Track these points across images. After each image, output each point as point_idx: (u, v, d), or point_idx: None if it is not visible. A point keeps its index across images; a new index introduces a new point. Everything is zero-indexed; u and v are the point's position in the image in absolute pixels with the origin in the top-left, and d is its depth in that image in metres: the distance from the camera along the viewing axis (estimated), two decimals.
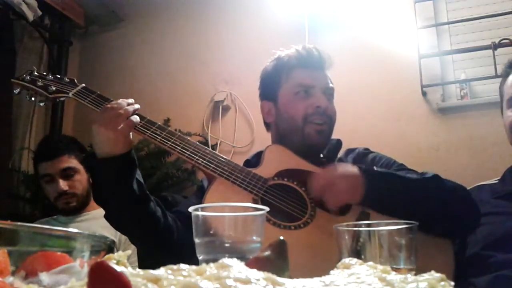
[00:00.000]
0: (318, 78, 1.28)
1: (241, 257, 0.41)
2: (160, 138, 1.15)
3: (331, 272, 0.42)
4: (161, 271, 0.34)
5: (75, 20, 2.97)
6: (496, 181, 1.36)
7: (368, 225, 0.67)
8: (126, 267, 0.40)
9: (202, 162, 1.11)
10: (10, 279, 0.43)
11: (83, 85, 1.28)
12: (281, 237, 0.45)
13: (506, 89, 1.33)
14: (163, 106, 2.80)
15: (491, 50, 2.14)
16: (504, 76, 1.37)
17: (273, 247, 0.45)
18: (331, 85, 1.31)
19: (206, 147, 1.17)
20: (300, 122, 1.24)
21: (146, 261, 1.48)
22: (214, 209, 0.62)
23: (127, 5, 3.04)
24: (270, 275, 0.36)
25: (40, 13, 2.59)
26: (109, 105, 1.15)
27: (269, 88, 1.34)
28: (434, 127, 2.27)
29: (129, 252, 0.47)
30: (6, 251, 0.44)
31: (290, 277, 0.40)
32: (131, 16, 3.08)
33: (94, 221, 1.81)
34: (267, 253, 0.44)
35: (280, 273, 0.38)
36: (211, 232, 0.59)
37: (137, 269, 0.33)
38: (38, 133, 2.81)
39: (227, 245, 0.57)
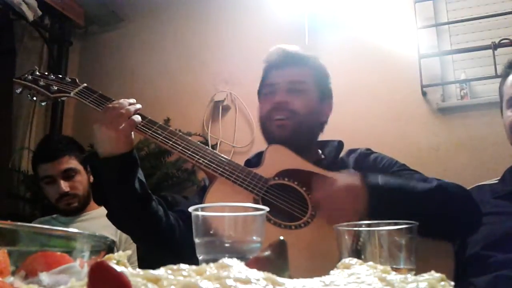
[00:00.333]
0: (282, 75, 1.29)
1: (241, 257, 0.41)
2: (161, 137, 1.15)
3: (331, 272, 0.42)
4: (161, 271, 0.34)
5: (75, 20, 2.97)
6: (496, 181, 1.36)
7: (368, 225, 0.67)
8: (126, 267, 0.40)
9: (203, 161, 1.11)
10: (10, 279, 0.43)
11: (85, 84, 1.28)
12: (281, 237, 0.45)
13: (506, 89, 1.33)
14: (163, 106, 2.80)
15: (491, 50, 2.14)
16: (504, 76, 1.37)
17: (273, 247, 0.45)
18: (297, 79, 1.29)
19: (207, 147, 1.17)
20: (265, 120, 1.28)
21: (147, 261, 1.48)
22: (214, 209, 0.62)
23: (127, 5, 3.04)
24: (270, 275, 0.36)
25: (40, 13, 2.59)
26: (110, 105, 1.15)
27: (258, 89, 1.38)
28: (434, 127, 2.27)
29: (129, 252, 0.47)
30: (6, 251, 0.44)
31: (290, 277, 0.40)
32: (131, 16, 3.08)
33: (94, 221, 1.81)
34: (267, 253, 0.44)
35: (280, 273, 0.38)
36: (211, 232, 0.59)
37: (137, 269, 0.33)
38: (38, 133, 2.81)
39: (227, 245, 0.57)
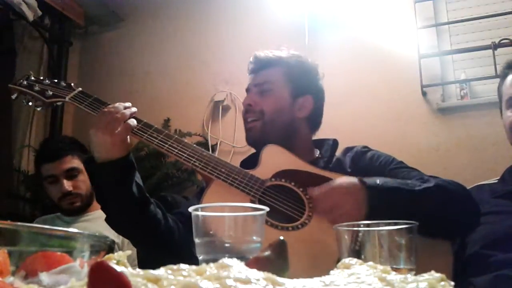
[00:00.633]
0: (253, 80, 1.34)
1: (241, 257, 0.41)
2: (157, 141, 1.15)
3: (331, 272, 0.42)
4: (161, 271, 0.34)
5: (75, 20, 2.97)
6: (496, 181, 1.36)
7: (368, 225, 0.67)
8: (126, 267, 0.40)
9: (199, 164, 1.11)
10: (10, 279, 0.43)
11: (80, 89, 1.28)
12: (281, 237, 0.45)
13: (505, 90, 1.33)
14: (163, 106, 2.80)
15: (491, 50, 2.14)
16: (503, 77, 1.37)
17: (273, 247, 0.45)
18: (263, 80, 1.31)
19: (203, 149, 1.17)
20: (244, 124, 1.33)
21: (147, 262, 1.48)
22: (214, 209, 0.62)
23: (127, 5, 3.04)
24: (270, 275, 0.36)
25: (40, 13, 2.59)
26: (106, 109, 1.15)
27: None
28: (434, 127, 2.27)
29: (129, 252, 0.47)
30: (6, 251, 0.44)
31: (290, 277, 0.40)
32: (131, 16, 3.08)
33: (97, 221, 1.81)
34: (267, 253, 0.44)
35: (280, 273, 0.38)
36: (211, 232, 0.59)
37: (137, 269, 0.33)
38: (38, 133, 2.81)
39: (227, 245, 0.57)
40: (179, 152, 1.13)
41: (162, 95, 2.85)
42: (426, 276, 0.38)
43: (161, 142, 1.15)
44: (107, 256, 0.44)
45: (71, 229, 0.52)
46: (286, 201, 1.09)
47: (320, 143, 1.36)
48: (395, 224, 0.66)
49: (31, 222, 1.96)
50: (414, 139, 2.26)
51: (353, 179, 1.04)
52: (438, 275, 0.38)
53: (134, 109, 1.17)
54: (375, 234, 0.65)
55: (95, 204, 1.84)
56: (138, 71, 2.97)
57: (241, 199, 1.06)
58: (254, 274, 0.35)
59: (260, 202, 1.06)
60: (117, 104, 1.16)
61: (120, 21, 3.09)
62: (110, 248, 0.54)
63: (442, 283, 0.37)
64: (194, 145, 1.17)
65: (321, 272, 0.41)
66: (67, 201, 1.80)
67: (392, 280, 0.37)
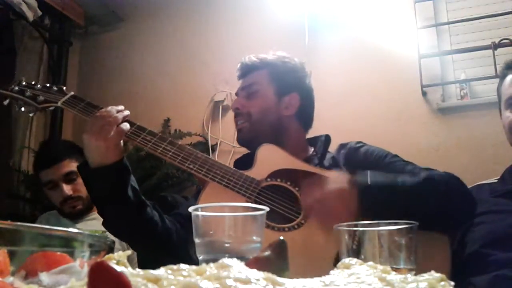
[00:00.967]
0: (241, 84, 1.38)
1: (241, 257, 0.41)
2: (150, 144, 1.15)
3: (331, 272, 0.42)
4: (161, 271, 0.34)
5: (75, 20, 2.97)
6: (496, 181, 1.36)
7: (368, 225, 0.67)
8: (126, 267, 0.40)
9: (194, 166, 1.11)
10: (10, 279, 0.43)
11: (72, 93, 1.28)
12: (281, 237, 0.45)
13: (504, 90, 1.33)
14: (163, 106, 2.80)
15: (491, 50, 2.14)
16: (502, 77, 1.37)
17: (273, 247, 0.45)
18: (248, 83, 1.34)
19: (197, 151, 1.17)
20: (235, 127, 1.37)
21: (147, 262, 1.48)
22: (214, 209, 0.62)
23: (127, 5, 3.04)
24: (270, 275, 0.36)
25: (40, 13, 2.59)
26: (98, 114, 1.15)
27: None
28: (434, 127, 2.27)
29: (129, 252, 0.47)
30: (6, 251, 0.44)
31: (289, 277, 0.40)
32: (131, 16, 3.08)
33: (100, 222, 1.81)
34: (267, 253, 0.44)
35: (280, 273, 0.38)
36: (211, 232, 0.59)
37: (137, 269, 0.33)
38: (38, 133, 2.81)
39: (227, 245, 0.57)
40: (173, 155, 1.13)
41: (162, 95, 2.85)
42: (426, 276, 0.38)
43: (155, 145, 1.14)
44: (107, 256, 0.44)
45: (71, 229, 0.52)
46: (282, 201, 1.09)
47: (314, 140, 1.37)
48: (395, 224, 0.66)
49: (31, 222, 1.96)
50: (414, 139, 2.26)
51: (343, 178, 1.04)
52: (438, 275, 0.38)
53: (126, 112, 1.17)
54: (375, 234, 0.65)
55: None
56: (138, 71, 2.97)
57: (236, 201, 1.05)
58: (254, 274, 0.35)
59: (256, 203, 1.06)
60: (109, 108, 1.16)
61: (120, 21, 3.09)
62: (110, 248, 0.54)
63: (442, 283, 0.37)
64: (189, 147, 1.17)
65: (318, 272, 0.41)
66: (69, 205, 1.79)
67: (392, 280, 0.37)
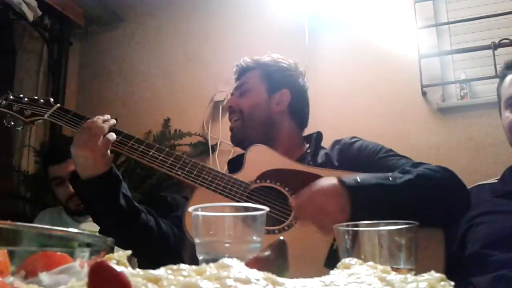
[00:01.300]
0: (236, 85, 1.41)
1: (241, 257, 0.41)
2: (137, 153, 1.15)
3: (331, 272, 0.42)
4: (161, 271, 0.34)
5: (75, 20, 2.97)
6: (496, 181, 1.36)
7: (368, 225, 0.67)
8: (126, 267, 0.40)
9: (182, 173, 1.11)
10: (10, 279, 0.43)
11: (58, 105, 1.29)
12: (281, 237, 0.45)
13: (504, 90, 1.33)
14: (163, 106, 2.80)
15: (491, 50, 2.14)
16: (501, 77, 1.37)
17: (273, 247, 0.45)
18: (241, 83, 1.38)
19: (185, 156, 1.17)
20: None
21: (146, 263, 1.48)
22: (214, 209, 0.62)
23: (127, 5, 3.04)
24: (270, 275, 0.36)
25: (40, 13, 2.59)
26: (84, 125, 1.15)
27: None
28: (434, 127, 2.27)
29: (129, 252, 0.47)
30: (6, 251, 0.44)
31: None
32: (131, 16, 3.08)
33: None
34: (267, 253, 0.44)
35: (280, 273, 0.38)
36: (211, 232, 0.59)
37: (137, 269, 0.33)
38: (38, 133, 2.81)
39: (227, 245, 0.57)
40: (161, 162, 1.13)
41: (162, 95, 2.85)
42: (426, 276, 0.38)
43: (142, 154, 1.14)
44: (107, 256, 0.44)
45: (71, 229, 0.52)
46: (272, 203, 1.08)
47: (308, 137, 1.38)
48: (395, 224, 0.66)
49: (32, 222, 1.97)
50: (414, 139, 2.26)
51: (332, 181, 1.02)
52: (438, 275, 0.38)
53: (113, 122, 1.17)
54: (375, 234, 0.65)
55: None
56: (138, 71, 2.97)
57: None
58: (254, 274, 0.35)
59: None
60: (95, 118, 1.17)
61: (120, 21, 3.09)
62: (110, 248, 0.54)
63: (442, 283, 0.37)
64: (177, 153, 1.17)
65: (309, 274, 0.40)
66: (75, 202, 1.80)
67: (392, 280, 0.37)
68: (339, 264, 0.44)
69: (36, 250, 0.47)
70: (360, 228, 0.66)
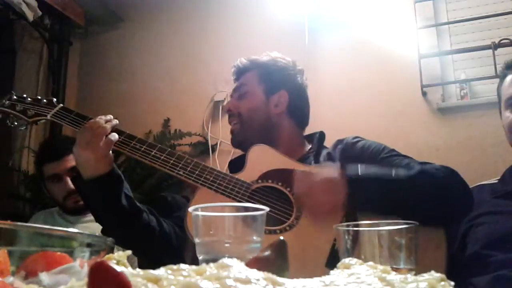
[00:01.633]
0: (234, 87, 1.40)
1: (241, 257, 0.41)
2: (139, 153, 1.15)
3: (331, 272, 0.42)
4: (161, 271, 0.34)
5: (75, 20, 2.97)
6: (496, 181, 1.35)
7: (368, 225, 0.67)
8: (126, 267, 0.40)
9: (184, 173, 1.11)
10: (10, 279, 0.43)
11: (61, 105, 1.29)
12: (281, 237, 0.45)
13: (504, 90, 1.33)
14: (163, 106, 2.80)
15: (491, 50, 2.14)
16: (501, 77, 1.37)
17: (273, 247, 0.45)
18: (238, 85, 1.37)
19: (187, 156, 1.17)
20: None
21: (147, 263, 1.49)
22: (214, 209, 0.62)
23: (127, 5, 3.04)
24: (270, 275, 0.35)
25: (40, 13, 2.59)
26: (87, 125, 1.15)
27: None
28: (434, 127, 2.27)
29: (129, 252, 0.47)
30: (6, 251, 0.44)
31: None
32: (131, 16, 3.08)
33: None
34: (267, 253, 0.44)
35: (280, 273, 0.38)
36: (211, 232, 0.59)
37: (137, 269, 0.33)
38: (38, 133, 2.81)
39: (227, 245, 0.57)
40: (163, 162, 1.13)
41: (162, 95, 2.85)
42: (426, 276, 0.38)
43: (144, 154, 1.15)
44: (107, 256, 0.44)
45: (71, 229, 0.52)
46: (274, 203, 1.08)
47: (311, 137, 1.37)
48: (395, 224, 0.66)
49: (33, 216, 1.97)
50: (414, 139, 2.26)
51: (333, 171, 1.03)
52: (438, 275, 0.38)
53: (115, 122, 1.18)
54: (375, 234, 0.65)
55: None
56: (138, 71, 2.97)
57: None
58: (254, 274, 0.35)
59: None
60: (97, 119, 1.17)
61: (120, 21, 3.09)
62: (110, 248, 0.54)
63: (442, 283, 0.37)
64: (179, 153, 1.17)
65: (311, 274, 0.40)
66: (72, 200, 1.77)
67: (392, 280, 0.37)
68: (339, 264, 0.44)
69: (36, 250, 0.47)
70: (360, 228, 0.66)
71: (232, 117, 1.35)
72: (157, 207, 1.36)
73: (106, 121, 1.15)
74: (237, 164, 1.24)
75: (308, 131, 1.42)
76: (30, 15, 2.52)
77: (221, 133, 2.62)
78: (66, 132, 2.86)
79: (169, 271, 0.34)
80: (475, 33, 2.33)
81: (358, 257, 0.56)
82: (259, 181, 1.13)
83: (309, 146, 1.35)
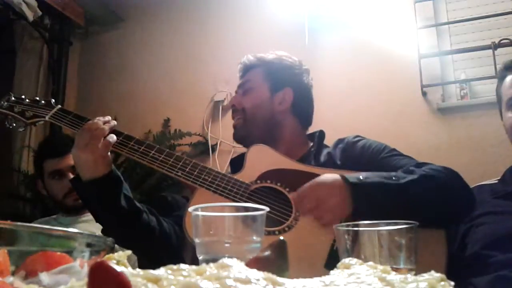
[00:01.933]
0: (239, 83, 1.40)
1: (241, 257, 0.41)
2: (138, 154, 1.15)
3: (331, 272, 0.42)
4: (161, 271, 0.34)
5: (75, 20, 2.97)
6: (496, 181, 1.35)
7: (368, 225, 0.67)
8: (126, 267, 0.40)
9: (182, 174, 1.11)
10: (10, 279, 0.43)
11: (59, 106, 1.29)
12: (281, 237, 0.45)
13: (505, 91, 1.33)
14: (163, 106, 2.80)
15: (491, 50, 2.14)
16: (500, 78, 1.37)
17: (273, 247, 0.45)
18: (244, 81, 1.37)
19: (186, 157, 1.17)
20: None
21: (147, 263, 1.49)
22: (214, 209, 0.62)
23: (127, 5, 3.04)
24: (270, 275, 0.35)
25: (40, 13, 2.59)
26: (85, 127, 1.15)
27: None
28: (434, 127, 2.27)
29: (129, 252, 0.47)
30: (6, 251, 0.44)
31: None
32: (131, 16, 3.08)
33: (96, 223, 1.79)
34: (267, 253, 0.44)
35: (280, 273, 0.38)
36: (211, 232, 0.59)
37: (137, 269, 0.33)
38: (38, 133, 2.81)
39: (227, 245, 0.57)
40: (161, 163, 1.13)
41: (162, 95, 2.85)
42: (426, 276, 0.38)
43: (142, 155, 1.15)
44: (107, 256, 0.44)
45: (71, 229, 0.52)
46: (272, 204, 1.08)
47: (312, 136, 1.37)
48: (395, 224, 0.66)
49: (31, 222, 1.95)
50: (414, 139, 2.26)
51: (335, 176, 1.02)
52: (438, 275, 0.38)
53: (113, 123, 1.17)
54: (375, 234, 0.65)
55: None
56: (138, 71, 2.97)
57: None
58: (254, 274, 0.35)
59: None
60: (96, 120, 1.17)
61: (120, 21, 3.09)
62: (110, 248, 0.54)
63: (442, 283, 0.37)
64: (177, 153, 1.17)
65: (310, 275, 0.40)
66: (73, 197, 1.75)
67: (392, 280, 0.37)
68: (339, 264, 0.44)
69: (36, 250, 0.47)
70: (360, 228, 0.66)
71: (235, 112, 1.35)
72: (157, 207, 1.36)
73: (104, 122, 1.15)
74: (238, 163, 1.24)
75: (308, 131, 1.42)
76: (30, 15, 2.52)
77: (221, 133, 2.62)
78: (66, 132, 2.86)
79: (169, 271, 0.34)
80: (475, 33, 2.33)
81: (358, 257, 0.56)
82: (258, 181, 1.13)
83: (311, 145, 1.35)
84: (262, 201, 1.08)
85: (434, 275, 0.38)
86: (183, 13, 2.95)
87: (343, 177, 1.01)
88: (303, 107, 1.37)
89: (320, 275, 0.39)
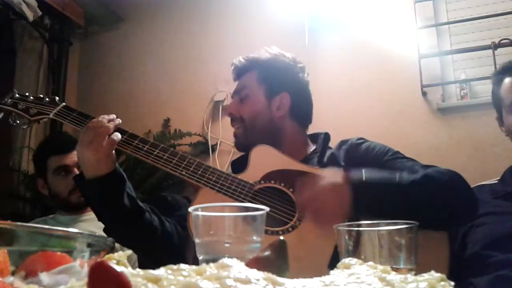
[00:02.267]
0: (235, 88, 1.38)
1: (241, 257, 0.41)
2: (142, 152, 1.14)
3: (331, 272, 0.42)
4: (161, 271, 0.34)
5: (75, 20, 2.97)
6: (496, 181, 1.35)
7: (368, 225, 0.67)
8: (126, 267, 0.40)
9: (186, 173, 1.11)
10: (10, 279, 0.43)
11: (64, 104, 1.28)
12: (281, 237, 0.45)
13: (506, 94, 1.31)
14: (163, 106, 2.80)
15: (491, 50, 2.14)
16: (497, 82, 1.35)
17: (273, 247, 0.45)
18: (239, 87, 1.35)
19: (190, 156, 1.16)
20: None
21: (146, 263, 1.49)
22: (214, 209, 0.62)
23: (127, 5, 3.04)
24: (270, 275, 0.35)
25: (40, 13, 2.59)
26: (90, 124, 1.15)
27: None
28: (434, 127, 2.27)
29: (129, 252, 0.47)
30: (6, 251, 0.44)
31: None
32: (131, 16, 3.08)
33: (94, 222, 1.79)
34: (267, 253, 0.44)
35: (280, 273, 0.38)
36: (211, 232, 0.59)
37: (137, 269, 0.33)
38: (38, 133, 2.81)
39: (227, 245, 0.57)
40: (165, 162, 1.13)
41: (162, 95, 2.85)
42: (426, 276, 0.38)
43: (146, 153, 1.14)
44: (107, 256, 0.44)
45: (71, 229, 0.52)
46: (275, 204, 1.08)
47: (315, 137, 1.36)
48: (395, 224, 0.66)
49: (31, 222, 1.95)
50: (414, 139, 2.26)
51: (337, 177, 1.02)
52: (438, 275, 0.38)
53: (118, 121, 1.17)
54: (375, 234, 0.65)
55: None
56: (138, 71, 2.97)
57: None
58: (254, 274, 0.35)
59: None
60: (100, 118, 1.16)
61: (120, 21, 3.09)
62: (110, 248, 0.54)
63: (442, 283, 0.37)
64: (181, 152, 1.17)
65: (313, 276, 0.40)
66: (78, 194, 1.71)
67: (392, 280, 0.37)
68: (339, 264, 0.44)
69: (36, 250, 0.47)
70: (360, 228, 0.66)
71: (234, 121, 1.34)
72: (157, 206, 1.36)
73: (109, 121, 1.15)
74: (239, 164, 1.23)
75: (308, 131, 1.41)
76: (30, 15, 2.52)
77: (221, 133, 2.62)
78: (67, 131, 2.86)
79: (169, 271, 0.34)
80: (475, 33, 2.33)
81: (358, 257, 0.56)
82: (262, 181, 1.13)
83: (313, 147, 1.34)
84: (266, 201, 1.08)
85: (434, 275, 0.38)
86: (183, 13, 2.95)
87: (346, 177, 1.01)
88: (301, 109, 1.35)
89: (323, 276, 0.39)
